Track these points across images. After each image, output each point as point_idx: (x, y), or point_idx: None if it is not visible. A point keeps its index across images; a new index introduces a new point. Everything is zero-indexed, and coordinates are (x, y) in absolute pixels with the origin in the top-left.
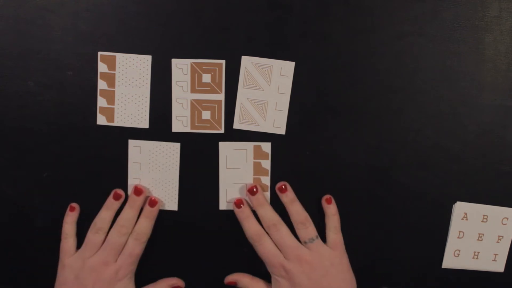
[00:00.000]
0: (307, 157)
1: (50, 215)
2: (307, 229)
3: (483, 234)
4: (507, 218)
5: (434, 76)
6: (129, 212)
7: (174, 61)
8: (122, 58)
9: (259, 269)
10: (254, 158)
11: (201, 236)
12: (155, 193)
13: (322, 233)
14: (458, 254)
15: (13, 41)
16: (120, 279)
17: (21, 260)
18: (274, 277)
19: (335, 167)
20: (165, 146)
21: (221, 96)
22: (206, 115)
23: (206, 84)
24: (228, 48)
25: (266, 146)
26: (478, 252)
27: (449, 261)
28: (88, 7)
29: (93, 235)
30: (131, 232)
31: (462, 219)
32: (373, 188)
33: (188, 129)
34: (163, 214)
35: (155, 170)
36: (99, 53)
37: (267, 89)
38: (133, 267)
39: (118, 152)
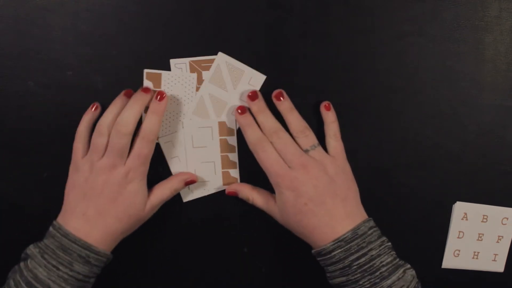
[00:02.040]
0: None
1: (50, 215)
2: (308, 137)
3: (483, 234)
4: (507, 218)
5: (434, 76)
6: (130, 111)
7: (173, 62)
8: (167, 76)
9: (260, 269)
10: (220, 135)
11: (201, 236)
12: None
13: None
14: (458, 254)
15: (13, 41)
16: (130, 181)
17: None
18: (278, 190)
19: None
20: None
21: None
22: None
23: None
24: (228, 48)
25: (231, 123)
26: (478, 252)
27: (449, 261)
28: (88, 7)
29: (98, 138)
30: (138, 131)
31: (462, 219)
32: (373, 188)
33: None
34: (164, 214)
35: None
36: (145, 70)
37: (231, 92)
38: (144, 169)
39: None
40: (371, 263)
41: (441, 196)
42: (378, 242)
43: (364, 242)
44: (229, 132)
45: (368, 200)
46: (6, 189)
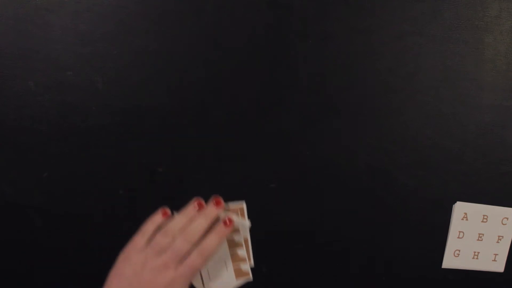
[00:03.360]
0: (307, 157)
1: (50, 215)
2: None
3: (483, 234)
4: (507, 218)
5: (434, 76)
6: (201, 222)
7: None
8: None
9: (260, 269)
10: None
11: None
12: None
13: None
14: (458, 254)
15: (13, 41)
16: (174, 287)
17: (21, 260)
18: None
19: (335, 167)
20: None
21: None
22: None
23: None
24: (228, 48)
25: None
26: (478, 252)
27: (449, 261)
28: (88, 7)
29: (162, 238)
30: (198, 244)
31: (462, 219)
32: (373, 188)
33: None
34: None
35: None
36: (230, 204)
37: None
38: (189, 280)
39: (118, 152)
40: None
41: (441, 196)
42: None
43: None
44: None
45: (368, 200)
46: (6, 189)
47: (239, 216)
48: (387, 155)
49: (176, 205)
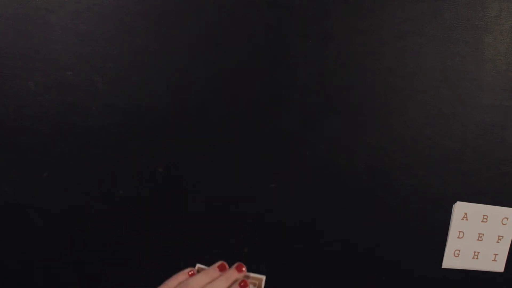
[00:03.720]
0: (307, 157)
1: (50, 215)
2: None
3: (483, 234)
4: (507, 218)
5: (434, 76)
6: (221, 284)
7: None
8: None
9: (259, 269)
10: None
11: (202, 235)
12: None
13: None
14: (458, 254)
15: (13, 41)
16: None
17: (21, 260)
18: None
19: (335, 167)
20: None
21: None
22: None
23: None
24: (228, 48)
25: None
26: (478, 252)
27: (449, 261)
28: (88, 7)
29: None
30: None
31: (462, 219)
32: (373, 188)
33: None
34: (167, 213)
35: None
36: (251, 275)
37: None
38: None
39: (118, 152)
40: None
41: (441, 196)
42: None
43: None
44: None
45: (368, 200)
46: (6, 189)
47: (256, 286)
48: (387, 155)
49: (176, 205)
